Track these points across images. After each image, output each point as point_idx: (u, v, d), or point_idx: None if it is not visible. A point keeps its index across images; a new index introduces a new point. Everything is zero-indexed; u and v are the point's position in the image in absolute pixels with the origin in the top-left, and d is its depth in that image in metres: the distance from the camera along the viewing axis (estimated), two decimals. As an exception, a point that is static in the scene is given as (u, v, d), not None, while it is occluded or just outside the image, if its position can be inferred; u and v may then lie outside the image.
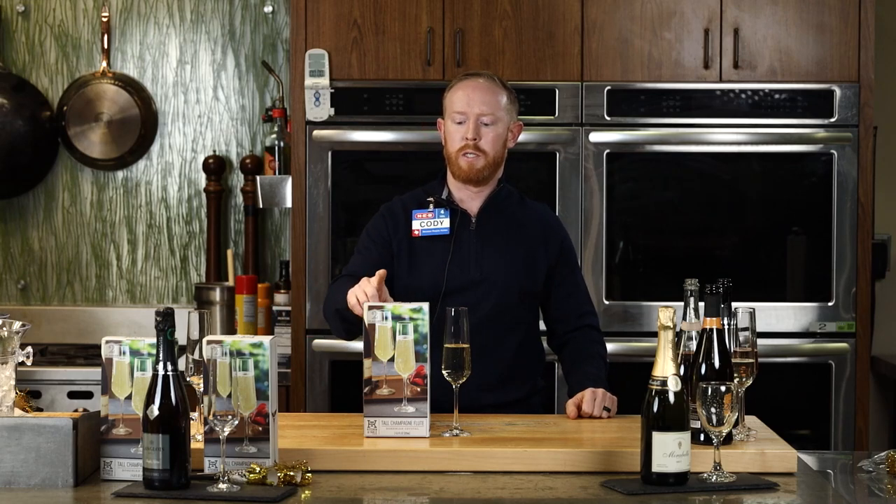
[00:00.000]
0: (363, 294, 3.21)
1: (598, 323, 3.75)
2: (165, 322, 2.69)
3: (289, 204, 4.87)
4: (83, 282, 5.40)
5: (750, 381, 3.08)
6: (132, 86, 5.36)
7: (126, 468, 2.80)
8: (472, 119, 3.57)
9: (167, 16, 5.37)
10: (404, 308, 3.09)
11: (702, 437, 2.93)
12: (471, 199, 3.65)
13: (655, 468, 2.74)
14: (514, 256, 3.63)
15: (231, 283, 5.19)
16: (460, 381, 3.16)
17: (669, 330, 2.77)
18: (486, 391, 3.49)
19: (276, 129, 5.10)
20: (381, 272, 3.26)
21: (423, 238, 3.62)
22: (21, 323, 2.87)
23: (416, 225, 3.63)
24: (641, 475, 2.77)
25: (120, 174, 5.40)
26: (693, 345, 3.03)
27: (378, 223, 3.69)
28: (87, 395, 4.74)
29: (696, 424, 2.86)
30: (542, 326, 3.76)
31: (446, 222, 3.62)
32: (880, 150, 5.15)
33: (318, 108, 4.71)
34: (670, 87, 4.71)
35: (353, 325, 3.45)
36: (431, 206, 3.64)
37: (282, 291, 5.07)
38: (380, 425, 3.08)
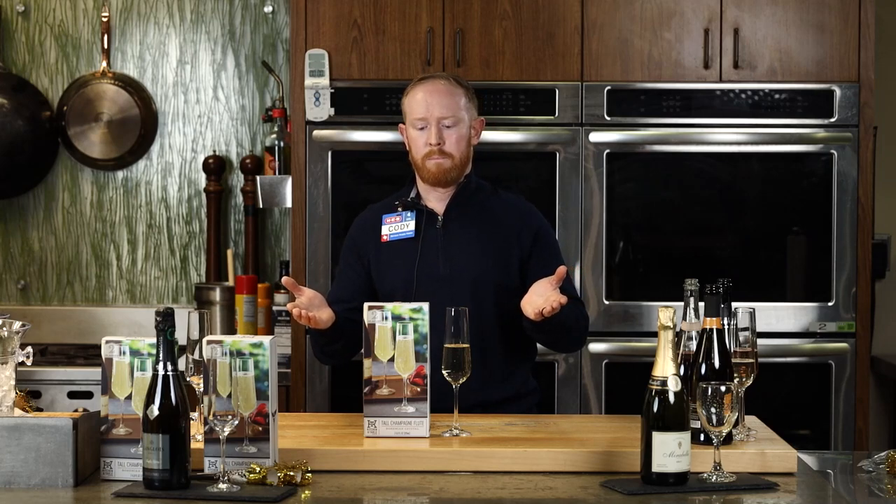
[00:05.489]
0: (293, 306, 3.37)
1: (584, 310, 3.64)
2: (165, 322, 2.69)
3: (289, 204, 4.87)
4: (83, 282, 5.40)
5: (750, 381, 3.08)
6: (132, 86, 5.36)
7: (126, 468, 2.80)
8: (434, 124, 3.57)
9: (167, 16, 5.37)
10: (404, 308, 3.09)
11: (702, 437, 2.93)
12: (438, 200, 3.65)
13: (655, 468, 2.74)
14: (484, 251, 3.60)
15: (231, 283, 5.19)
16: (460, 381, 3.15)
17: (669, 330, 2.77)
18: (470, 390, 3.43)
19: (276, 129, 5.10)
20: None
21: (393, 242, 3.63)
22: (21, 323, 2.87)
23: (384, 230, 3.65)
24: (641, 475, 2.77)
25: (120, 174, 5.40)
26: (693, 345, 3.03)
27: (347, 245, 3.74)
28: (87, 395, 4.74)
29: (696, 424, 2.86)
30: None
31: (411, 224, 3.63)
32: (880, 150, 5.15)
33: (318, 108, 4.71)
34: (670, 87, 4.71)
35: (325, 345, 3.57)
36: (399, 209, 3.65)
37: (282, 291, 5.07)
38: (380, 425, 3.08)
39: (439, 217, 3.63)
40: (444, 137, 3.57)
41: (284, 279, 3.41)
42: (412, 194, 3.67)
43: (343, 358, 3.66)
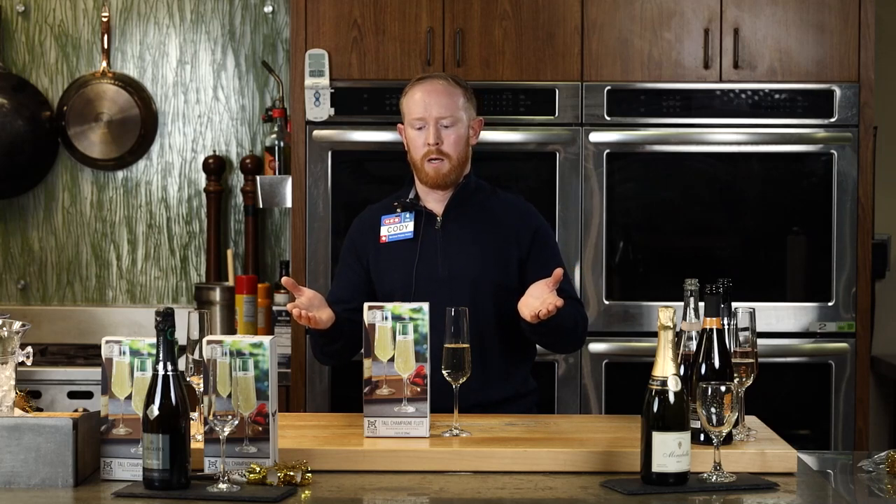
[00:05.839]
0: (293, 306, 3.37)
1: (583, 310, 3.63)
2: (165, 322, 2.69)
3: (289, 204, 4.87)
4: (83, 282, 5.40)
5: (750, 381, 3.08)
6: (132, 86, 5.36)
7: (126, 468, 2.80)
8: (432, 124, 3.57)
9: (167, 16, 5.37)
10: (404, 308, 3.09)
11: (702, 437, 2.93)
12: (437, 201, 3.65)
13: (655, 468, 2.74)
14: (483, 251, 3.60)
15: (231, 283, 5.19)
16: (460, 381, 3.15)
17: (669, 330, 2.77)
18: (470, 390, 3.40)
19: (276, 129, 5.10)
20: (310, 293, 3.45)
21: (392, 243, 3.63)
22: (21, 323, 2.87)
23: (383, 231, 3.65)
24: (641, 475, 2.77)
25: (120, 174, 5.40)
26: (693, 345, 3.03)
27: (347, 245, 3.75)
28: (87, 395, 4.74)
29: (696, 424, 2.86)
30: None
31: (410, 225, 3.63)
32: (880, 150, 5.15)
33: (318, 108, 4.71)
34: (670, 87, 4.71)
35: (325, 345, 3.57)
36: (398, 210, 3.65)
37: (282, 291, 5.07)
38: (380, 425, 3.08)
39: (438, 218, 3.63)
40: (442, 137, 3.57)
41: (284, 279, 3.41)
42: (411, 195, 3.67)
43: (342, 358, 3.66)
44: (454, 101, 3.59)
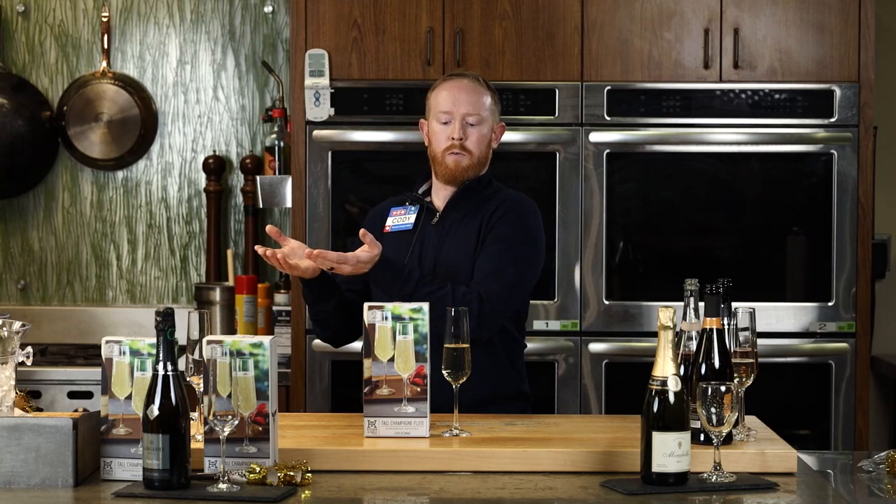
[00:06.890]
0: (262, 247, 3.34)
1: (490, 297, 3.47)
2: (165, 322, 2.69)
3: (289, 204, 4.87)
4: (83, 282, 5.40)
5: (750, 381, 3.08)
6: (132, 86, 5.36)
7: (126, 468, 2.80)
8: (458, 119, 3.59)
9: (167, 16, 5.37)
10: (404, 308, 3.09)
11: (702, 437, 2.93)
12: (444, 198, 3.67)
13: (655, 468, 2.74)
14: (467, 247, 3.60)
15: (231, 283, 5.19)
16: (460, 381, 3.15)
17: (669, 330, 2.77)
18: (450, 388, 3.37)
19: (276, 129, 5.10)
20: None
21: (393, 234, 3.65)
22: (21, 323, 2.87)
23: (388, 221, 3.69)
24: (641, 475, 2.77)
25: (120, 174, 5.40)
26: (693, 345, 3.03)
27: (361, 231, 3.73)
28: (87, 395, 4.74)
29: (696, 424, 2.86)
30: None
31: (412, 218, 3.66)
32: (880, 150, 5.15)
33: (318, 108, 4.71)
34: (670, 87, 4.71)
35: (315, 303, 3.55)
36: (407, 202, 3.68)
37: (282, 291, 5.07)
38: (380, 425, 3.08)
39: (437, 213, 3.65)
40: (467, 133, 3.60)
41: (268, 227, 3.39)
42: (422, 188, 3.70)
43: (334, 327, 3.61)
44: (482, 101, 3.62)
